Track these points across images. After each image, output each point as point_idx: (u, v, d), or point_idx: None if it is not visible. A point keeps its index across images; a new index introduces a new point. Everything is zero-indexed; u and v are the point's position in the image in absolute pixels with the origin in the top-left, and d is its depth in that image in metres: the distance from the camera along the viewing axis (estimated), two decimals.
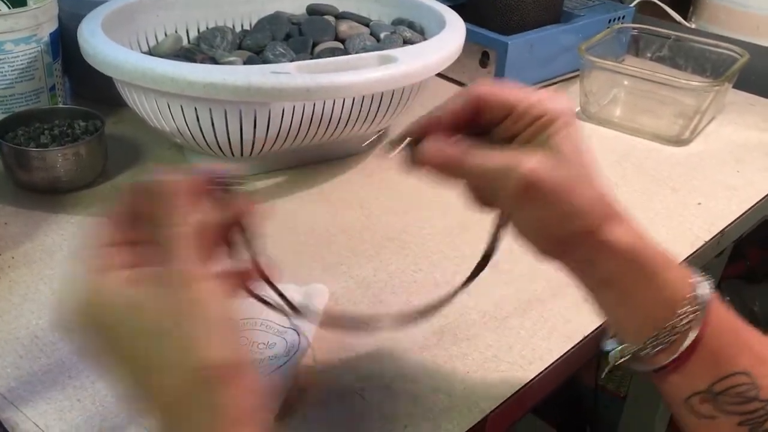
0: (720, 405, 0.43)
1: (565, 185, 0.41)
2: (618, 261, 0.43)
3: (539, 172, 0.40)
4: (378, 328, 0.49)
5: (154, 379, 0.35)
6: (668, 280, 0.43)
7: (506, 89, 0.42)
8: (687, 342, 0.43)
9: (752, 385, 0.42)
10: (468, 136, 0.43)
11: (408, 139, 0.43)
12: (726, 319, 0.44)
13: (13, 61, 0.74)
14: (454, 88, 1.00)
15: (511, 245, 0.68)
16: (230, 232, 0.40)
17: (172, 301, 0.35)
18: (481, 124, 0.43)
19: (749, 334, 0.44)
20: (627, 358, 0.46)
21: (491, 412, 0.52)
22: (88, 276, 0.36)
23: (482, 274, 0.64)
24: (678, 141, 0.91)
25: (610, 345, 0.48)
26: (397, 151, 0.43)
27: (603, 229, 0.42)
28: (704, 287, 0.44)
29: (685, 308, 0.43)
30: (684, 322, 0.43)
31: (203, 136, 0.70)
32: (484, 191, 0.45)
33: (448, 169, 0.43)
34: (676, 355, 0.43)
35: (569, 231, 0.42)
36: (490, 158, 0.41)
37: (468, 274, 0.49)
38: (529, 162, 0.40)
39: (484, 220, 0.46)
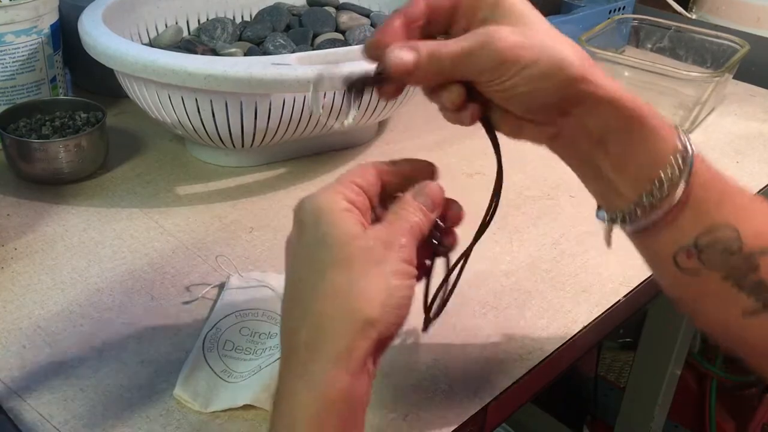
0: (705, 258, 0.43)
1: (541, 41, 0.41)
2: (609, 110, 0.42)
3: (512, 38, 0.41)
4: None
5: (308, 293, 0.39)
6: (656, 127, 0.43)
7: None
8: (678, 193, 0.42)
9: (736, 238, 0.42)
10: None
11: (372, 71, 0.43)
12: (709, 169, 0.44)
13: (14, 53, 0.75)
14: None
15: (511, 238, 0.69)
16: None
17: (374, 255, 0.39)
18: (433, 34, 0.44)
19: (731, 185, 0.44)
20: (619, 219, 0.45)
21: (491, 401, 0.52)
22: (329, 190, 0.41)
23: (482, 267, 0.64)
24: None
25: (601, 214, 0.47)
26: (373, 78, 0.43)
27: (590, 75, 0.42)
28: (686, 136, 0.43)
29: (676, 158, 0.42)
30: (676, 172, 0.42)
31: (204, 128, 0.70)
32: (458, 87, 0.44)
33: (424, 68, 0.42)
34: (668, 208, 0.43)
35: (558, 85, 0.42)
36: (462, 40, 0.41)
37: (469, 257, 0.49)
38: (499, 32, 0.41)
39: (481, 208, 0.47)
